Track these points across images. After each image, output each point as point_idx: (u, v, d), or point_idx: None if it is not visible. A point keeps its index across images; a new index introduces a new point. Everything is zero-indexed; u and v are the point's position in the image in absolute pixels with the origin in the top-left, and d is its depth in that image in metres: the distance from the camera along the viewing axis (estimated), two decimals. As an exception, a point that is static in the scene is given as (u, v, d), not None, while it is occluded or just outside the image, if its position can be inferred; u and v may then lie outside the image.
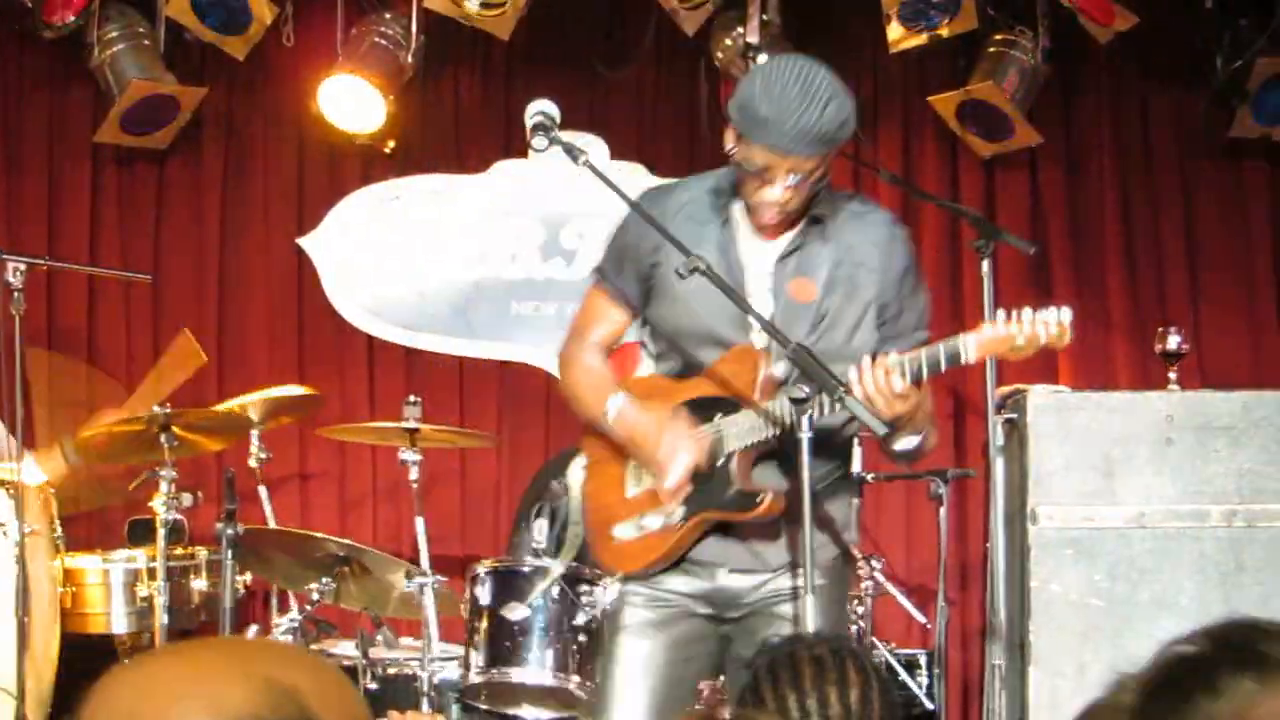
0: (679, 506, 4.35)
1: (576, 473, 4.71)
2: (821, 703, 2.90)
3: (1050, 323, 3.92)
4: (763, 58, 7.49)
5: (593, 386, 4.53)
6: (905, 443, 4.26)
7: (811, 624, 4.13)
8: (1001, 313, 4.02)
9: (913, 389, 4.04)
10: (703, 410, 4.35)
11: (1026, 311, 3.92)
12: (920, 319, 4.39)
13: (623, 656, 4.46)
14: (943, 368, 4.03)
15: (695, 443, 4.31)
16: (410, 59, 7.62)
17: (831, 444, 4.35)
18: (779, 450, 4.30)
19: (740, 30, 7.62)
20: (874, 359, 4.10)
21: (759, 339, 4.34)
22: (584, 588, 5.20)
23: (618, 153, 7.95)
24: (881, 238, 4.40)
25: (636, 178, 7.89)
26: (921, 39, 7.63)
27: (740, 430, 4.28)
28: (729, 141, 4.30)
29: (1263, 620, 1.90)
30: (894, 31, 7.63)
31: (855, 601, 6.87)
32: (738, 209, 4.39)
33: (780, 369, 4.28)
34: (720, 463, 4.31)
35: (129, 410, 6.67)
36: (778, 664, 2.98)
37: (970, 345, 3.99)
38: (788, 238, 4.36)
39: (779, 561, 4.41)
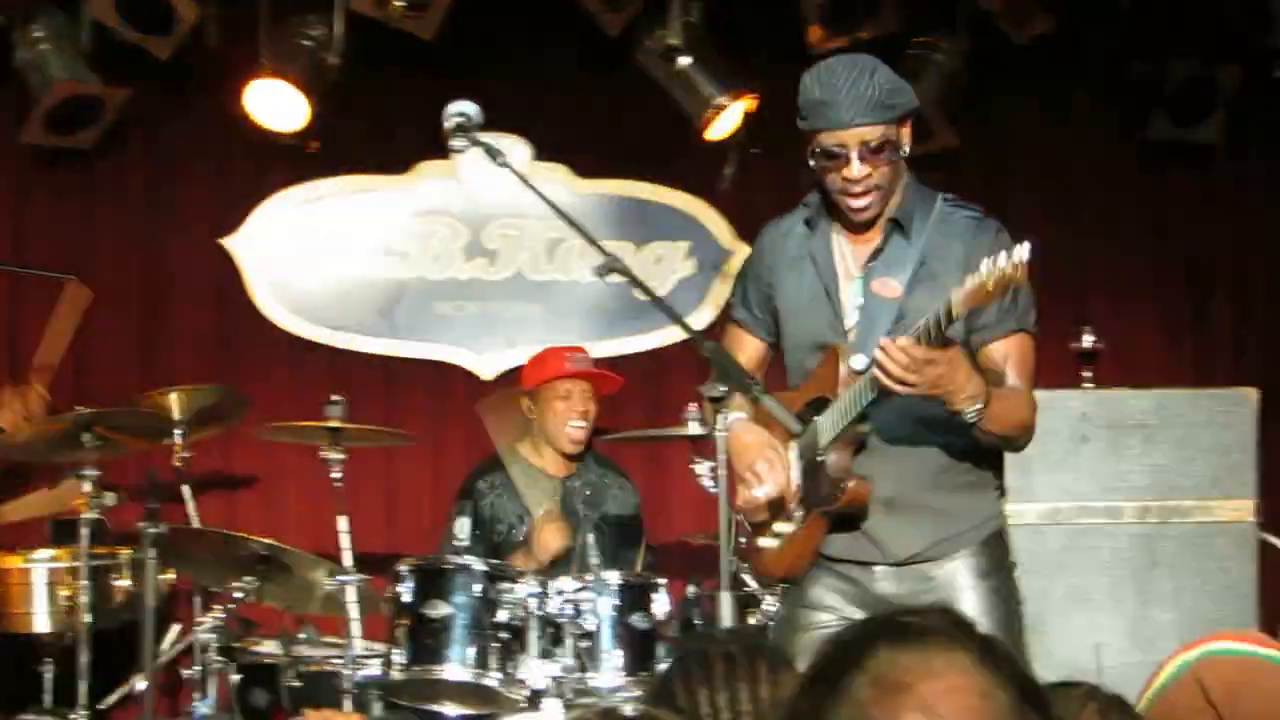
0: (798, 510, 4.47)
1: None
2: (731, 699, 2.93)
3: (1003, 263, 4.00)
4: (684, 60, 7.58)
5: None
6: (968, 415, 4.26)
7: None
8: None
9: (939, 352, 4.11)
10: (809, 412, 4.51)
11: (985, 261, 3.99)
12: (1009, 310, 4.51)
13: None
14: (945, 326, 4.10)
15: (768, 459, 4.46)
16: (334, 59, 7.62)
17: (950, 427, 4.42)
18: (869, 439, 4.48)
19: (662, 31, 7.67)
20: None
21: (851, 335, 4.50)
22: (504, 585, 5.25)
23: (542, 154, 7.99)
24: (966, 232, 4.55)
25: (559, 178, 7.94)
26: (842, 41, 7.67)
27: (829, 424, 4.44)
28: (809, 157, 4.49)
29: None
30: (814, 34, 7.68)
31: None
32: (826, 222, 4.61)
33: (858, 361, 4.41)
34: (820, 458, 4.47)
35: (39, 362, 6.96)
36: (689, 660, 3.00)
37: (956, 299, 4.08)
38: (873, 242, 4.51)
39: (905, 554, 4.53)
